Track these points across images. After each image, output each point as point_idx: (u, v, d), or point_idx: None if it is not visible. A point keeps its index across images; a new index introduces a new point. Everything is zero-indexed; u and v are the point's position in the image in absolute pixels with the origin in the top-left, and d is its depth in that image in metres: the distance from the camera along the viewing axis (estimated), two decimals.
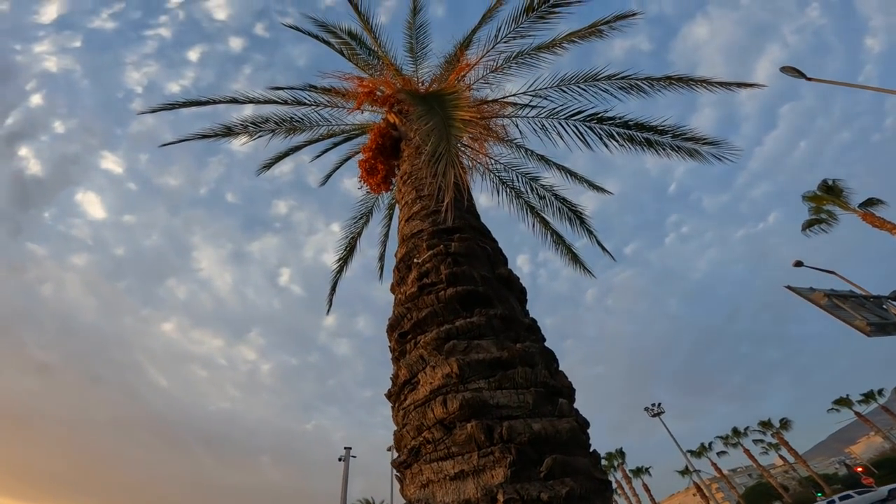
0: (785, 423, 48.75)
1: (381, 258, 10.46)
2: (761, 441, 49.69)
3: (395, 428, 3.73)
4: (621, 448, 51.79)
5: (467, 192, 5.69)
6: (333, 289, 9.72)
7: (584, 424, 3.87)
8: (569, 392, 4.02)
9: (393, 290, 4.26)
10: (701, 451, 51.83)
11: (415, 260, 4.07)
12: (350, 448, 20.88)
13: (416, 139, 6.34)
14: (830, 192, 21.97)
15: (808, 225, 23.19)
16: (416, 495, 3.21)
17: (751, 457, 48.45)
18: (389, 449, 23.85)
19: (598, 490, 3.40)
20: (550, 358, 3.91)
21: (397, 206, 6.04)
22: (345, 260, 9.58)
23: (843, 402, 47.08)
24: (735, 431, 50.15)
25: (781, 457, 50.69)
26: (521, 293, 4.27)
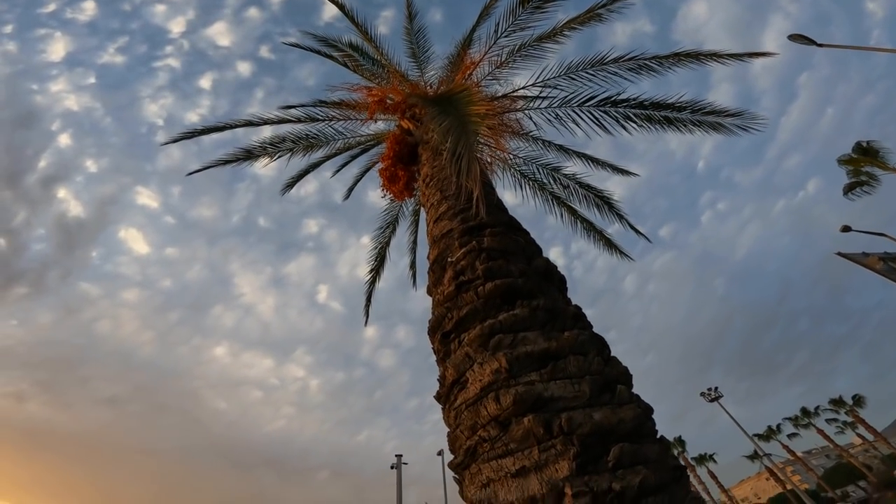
0: (859, 400, 45.56)
1: (413, 265, 10.53)
2: (835, 420, 46.36)
3: (448, 430, 3.66)
4: (680, 437, 49.47)
5: (491, 187, 5.63)
6: (369, 300, 9.84)
7: (648, 410, 3.67)
8: (626, 378, 3.84)
9: (429, 291, 4.23)
10: (769, 435, 48.68)
11: (449, 259, 4.02)
12: (401, 455, 21.03)
13: (434, 141, 6.36)
14: (866, 153, 21.13)
15: (850, 188, 22.18)
16: (478, 496, 3.11)
17: (826, 437, 45.23)
18: (440, 454, 23.78)
19: (674, 478, 3.20)
20: (602, 345, 3.75)
21: (423, 210, 6.05)
22: (376, 270, 9.70)
23: None
24: (805, 412, 46.97)
25: (859, 435, 47.11)
26: (560, 282, 4.14)
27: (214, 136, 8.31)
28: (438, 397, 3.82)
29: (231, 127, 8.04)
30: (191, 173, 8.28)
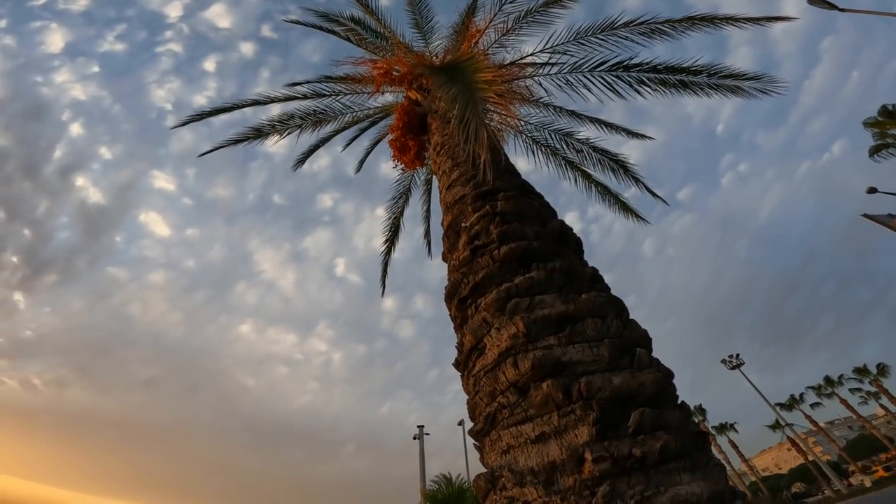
0: (883, 370, 44.33)
1: (427, 234, 10.47)
2: (858, 390, 45.23)
3: (467, 397, 3.63)
4: (700, 405, 49.31)
5: (503, 152, 5.48)
6: (385, 270, 9.83)
7: (669, 374, 3.56)
8: (646, 341, 3.73)
9: (444, 258, 4.15)
10: (791, 404, 48.13)
11: (462, 224, 3.92)
12: (423, 426, 21.59)
13: (442, 110, 6.19)
14: (892, 116, 20.78)
15: (875, 150, 21.97)
16: (498, 462, 3.09)
17: (849, 407, 44.43)
18: (460, 423, 24.24)
19: (696, 444, 3.11)
20: (620, 307, 3.63)
21: (435, 178, 5.94)
22: (391, 241, 9.68)
23: None
24: (828, 381, 45.90)
25: (882, 406, 46.01)
26: (577, 245, 4.00)
27: (224, 117, 8.24)
28: (457, 364, 3.79)
29: (239, 107, 7.96)
30: (202, 154, 8.26)
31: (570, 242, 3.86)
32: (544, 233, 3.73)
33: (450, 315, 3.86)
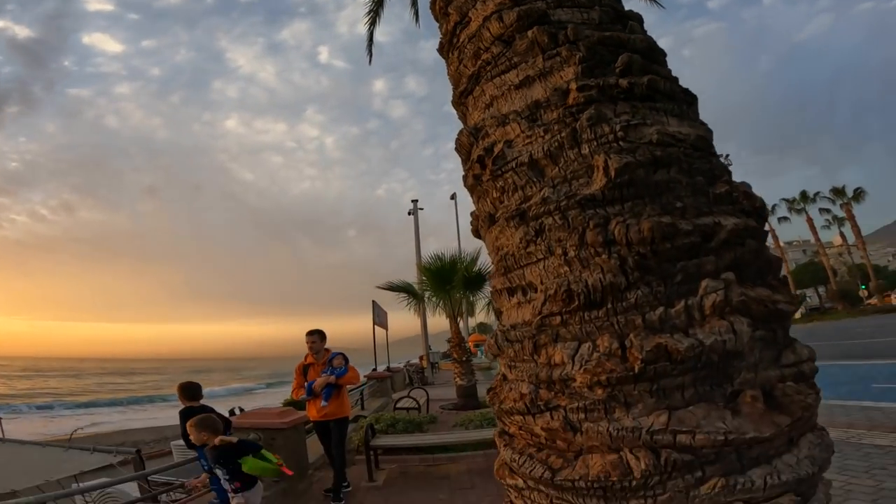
0: (859, 194, 45.66)
1: (414, 3, 9.17)
2: (828, 211, 47.45)
3: (450, 70, 3.55)
4: None
5: None
6: (370, 40, 8.83)
7: (663, 53, 3.38)
8: (638, 18, 3.49)
9: None
10: None
11: None
12: (416, 201, 22.62)
13: None
14: None
15: None
16: (480, 118, 3.14)
17: (812, 228, 47.64)
18: (453, 197, 25.79)
19: (686, 100, 3.08)
20: None
21: None
22: (375, 11, 8.43)
23: None
24: (804, 196, 46.88)
25: (842, 234, 48.83)
26: None
27: None
28: (441, 49, 3.63)
29: None
30: None
31: None
32: None
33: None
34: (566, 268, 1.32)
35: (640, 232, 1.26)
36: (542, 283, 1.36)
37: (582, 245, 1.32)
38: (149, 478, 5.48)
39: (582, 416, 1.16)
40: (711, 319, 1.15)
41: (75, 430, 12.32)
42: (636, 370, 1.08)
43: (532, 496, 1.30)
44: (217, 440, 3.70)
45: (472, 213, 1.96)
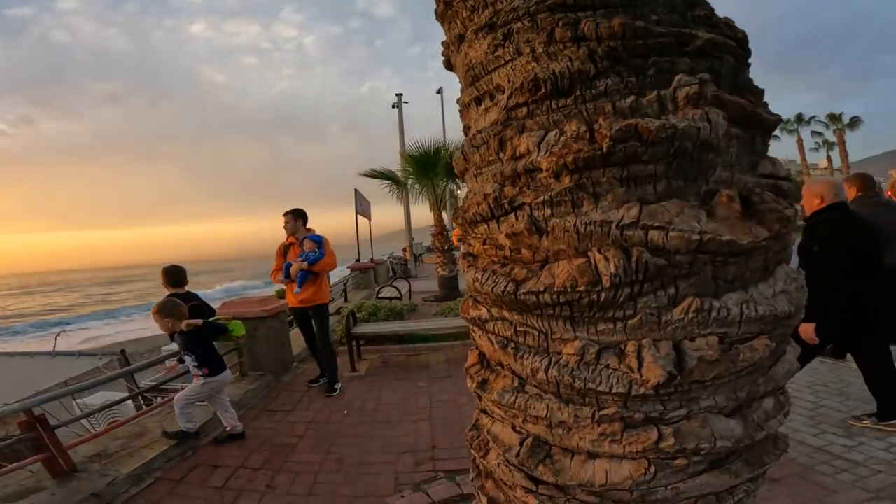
0: (854, 122, 44.68)
1: None
2: (820, 134, 46.81)
3: None
4: None
5: None
6: None
7: None
8: None
9: None
10: None
11: None
12: (401, 94, 20.69)
13: None
14: None
15: None
16: None
17: (801, 148, 47.18)
18: (439, 91, 24.47)
19: None
20: None
21: None
22: None
23: None
24: (799, 118, 46.43)
25: (829, 158, 48.48)
26: None
27: None
28: None
29: None
30: None
31: None
32: None
33: None
34: (534, 63, 1.15)
35: (611, 27, 1.08)
36: (509, 82, 1.21)
37: (550, 42, 1.15)
38: (139, 385, 5.37)
39: (548, 211, 1.08)
40: (685, 108, 1.02)
41: (58, 333, 12.41)
42: (605, 149, 0.97)
43: (496, 327, 1.27)
44: (183, 325, 3.55)
45: (442, 43, 1.74)
